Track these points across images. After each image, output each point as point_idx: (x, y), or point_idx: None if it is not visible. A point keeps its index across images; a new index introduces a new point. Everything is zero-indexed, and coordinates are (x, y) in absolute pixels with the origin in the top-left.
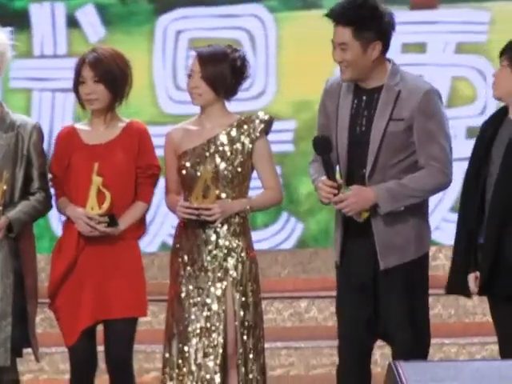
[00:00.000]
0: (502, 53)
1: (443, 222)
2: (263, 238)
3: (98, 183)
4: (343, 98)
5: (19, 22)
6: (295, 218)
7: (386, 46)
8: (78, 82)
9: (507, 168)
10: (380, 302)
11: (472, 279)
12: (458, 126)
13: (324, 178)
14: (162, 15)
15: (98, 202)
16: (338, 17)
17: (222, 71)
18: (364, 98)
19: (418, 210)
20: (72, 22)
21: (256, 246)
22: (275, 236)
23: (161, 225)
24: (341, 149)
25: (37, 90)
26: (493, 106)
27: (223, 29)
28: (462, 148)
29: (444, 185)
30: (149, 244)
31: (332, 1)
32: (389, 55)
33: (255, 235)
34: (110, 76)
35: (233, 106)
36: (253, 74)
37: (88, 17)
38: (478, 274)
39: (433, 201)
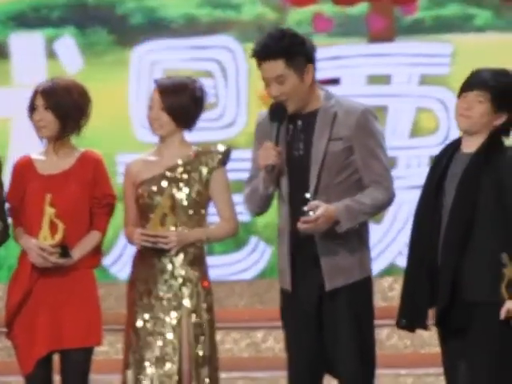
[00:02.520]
0: (477, 85)
1: (407, 247)
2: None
3: (50, 214)
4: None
5: None
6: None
7: (315, 69)
8: (32, 109)
9: (460, 204)
10: (325, 333)
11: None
12: (421, 154)
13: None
14: (137, 46)
15: (50, 232)
16: (264, 53)
17: (182, 102)
18: (299, 122)
19: (359, 234)
20: (50, 53)
21: (214, 276)
22: (237, 264)
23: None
24: (282, 177)
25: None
26: (454, 136)
27: (196, 60)
28: (425, 176)
29: (391, 201)
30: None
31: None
32: (353, 87)
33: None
34: (59, 105)
35: (203, 135)
36: (224, 104)
37: (66, 48)
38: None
39: (396, 226)
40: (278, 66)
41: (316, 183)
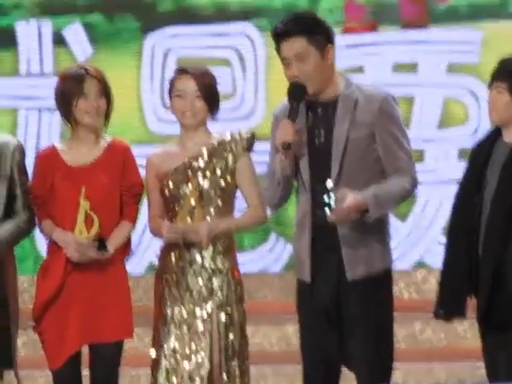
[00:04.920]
0: (497, 76)
1: (434, 244)
2: (251, 260)
3: (85, 207)
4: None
5: (5, 39)
6: (284, 239)
7: (334, 51)
8: (79, 94)
9: (502, 193)
10: (343, 325)
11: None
12: (450, 147)
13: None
14: (150, 33)
15: (86, 225)
16: (287, 29)
17: (213, 86)
18: (319, 110)
19: (381, 225)
20: (59, 41)
21: (243, 269)
22: (264, 259)
23: (147, 247)
24: (302, 164)
25: (23, 109)
26: (485, 127)
27: (212, 48)
28: (454, 169)
29: (413, 191)
30: (135, 266)
31: None
32: (380, 75)
33: (243, 257)
34: (109, 92)
35: (222, 126)
36: (242, 93)
37: (75, 35)
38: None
39: (424, 222)
40: (299, 43)
41: (338, 170)
